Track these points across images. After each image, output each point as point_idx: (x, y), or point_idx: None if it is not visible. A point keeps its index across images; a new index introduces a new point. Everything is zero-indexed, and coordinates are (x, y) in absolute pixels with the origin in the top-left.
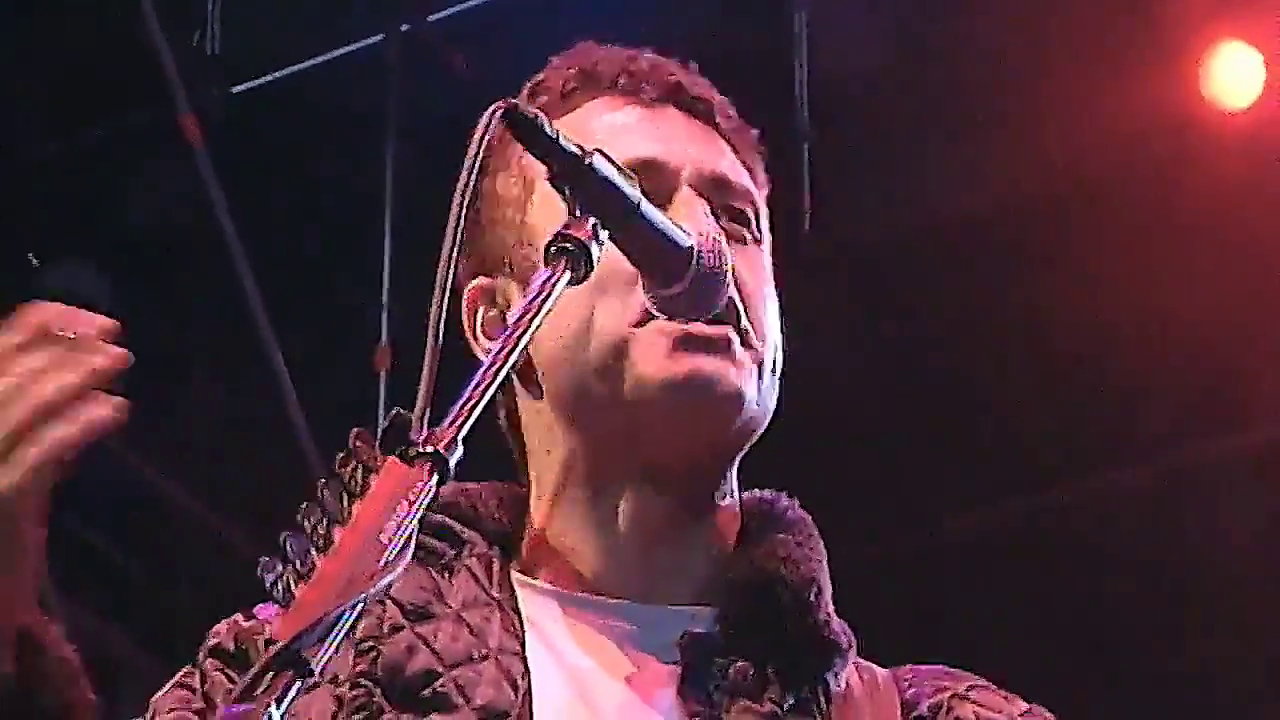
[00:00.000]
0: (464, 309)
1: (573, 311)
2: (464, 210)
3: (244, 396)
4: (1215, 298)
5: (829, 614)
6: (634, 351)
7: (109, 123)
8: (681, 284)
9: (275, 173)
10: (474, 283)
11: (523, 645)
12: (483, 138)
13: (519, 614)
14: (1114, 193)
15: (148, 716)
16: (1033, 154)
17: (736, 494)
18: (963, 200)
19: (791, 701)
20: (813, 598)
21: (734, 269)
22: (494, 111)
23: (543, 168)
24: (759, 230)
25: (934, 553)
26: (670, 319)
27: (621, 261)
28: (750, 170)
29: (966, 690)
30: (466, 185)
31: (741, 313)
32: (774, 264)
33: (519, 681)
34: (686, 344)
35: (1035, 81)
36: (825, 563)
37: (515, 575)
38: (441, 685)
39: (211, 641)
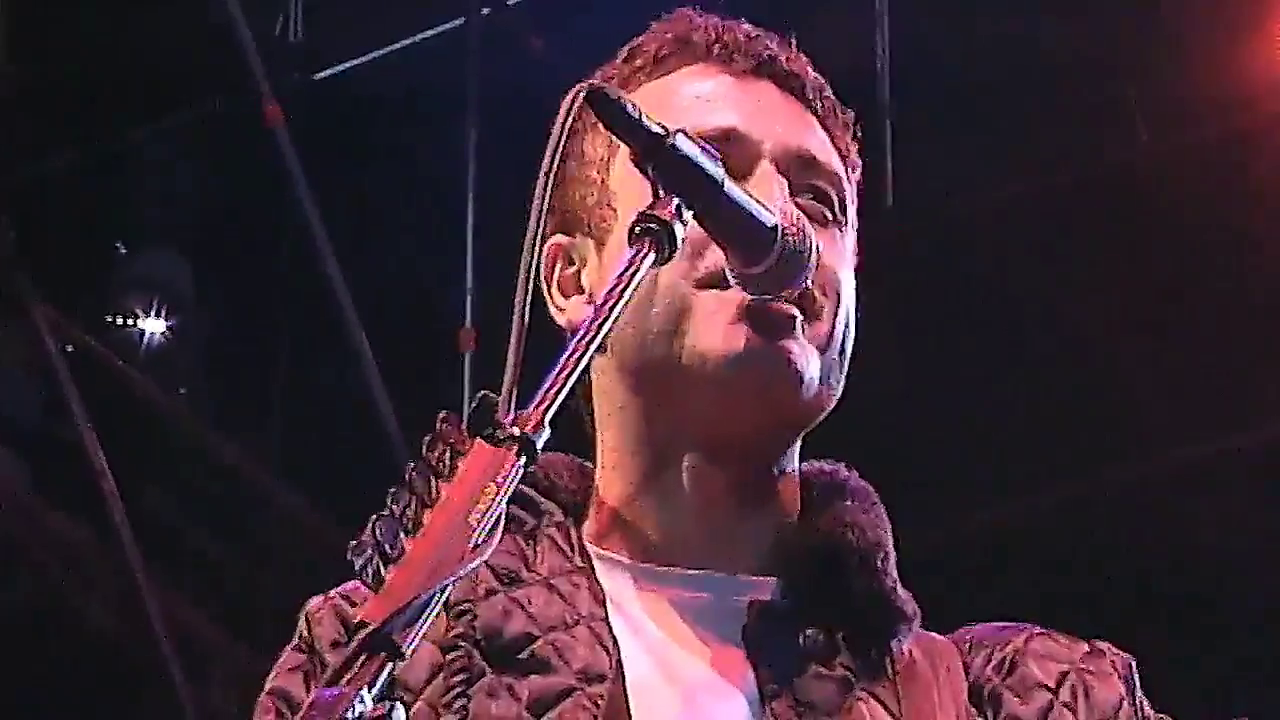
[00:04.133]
0: (543, 265)
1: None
2: (548, 192)
3: (329, 381)
4: None
5: (895, 580)
6: (695, 316)
7: (193, 109)
8: (766, 263)
9: (357, 158)
10: (553, 239)
11: (606, 614)
12: (566, 120)
13: (599, 584)
14: (1201, 167)
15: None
16: (1119, 129)
17: (797, 466)
18: (1045, 176)
19: (862, 667)
20: (879, 563)
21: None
22: (577, 93)
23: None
24: (843, 213)
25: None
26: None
27: (690, 226)
28: (842, 153)
29: (1026, 642)
30: (550, 168)
31: (814, 293)
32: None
33: (610, 647)
34: (749, 318)
35: (1122, 55)
36: (889, 531)
37: (588, 546)
38: (539, 648)
39: (326, 633)
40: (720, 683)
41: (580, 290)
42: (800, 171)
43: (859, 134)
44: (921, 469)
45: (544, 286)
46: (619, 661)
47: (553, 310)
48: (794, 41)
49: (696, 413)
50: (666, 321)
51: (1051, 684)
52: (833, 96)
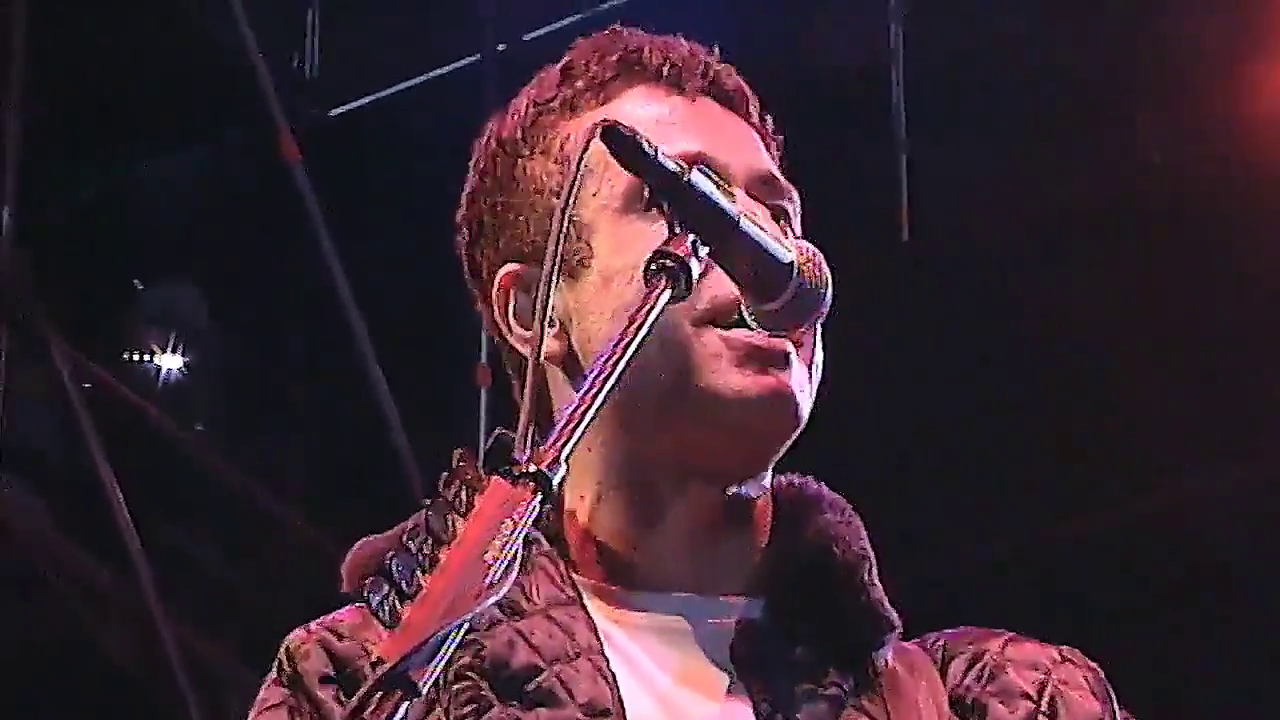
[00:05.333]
0: (494, 296)
1: (630, 307)
2: (564, 228)
3: (346, 415)
4: None
5: (880, 591)
6: (698, 357)
7: (210, 145)
8: (781, 299)
9: (373, 193)
10: (505, 269)
11: (602, 646)
12: (582, 156)
13: (589, 615)
14: (1213, 188)
15: None
16: (1129, 152)
17: (769, 482)
18: (1060, 199)
19: (852, 682)
20: (865, 576)
21: None
22: (593, 129)
23: (595, 153)
24: (796, 227)
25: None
26: (761, 328)
27: None
28: (778, 162)
29: (1002, 647)
30: (566, 204)
31: None
32: (874, 270)
33: (610, 680)
34: (753, 358)
35: (1133, 79)
36: (868, 541)
37: (574, 575)
38: (545, 681)
39: (314, 667)
40: (718, 708)
41: (549, 322)
42: (764, 193)
43: (780, 139)
44: (929, 497)
45: (497, 316)
46: (619, 694)
47: (512, 340)
48: (718, 49)
49: (694, 449)
50: (668, 361)
51: (1033, 693)
52: (758, 104)
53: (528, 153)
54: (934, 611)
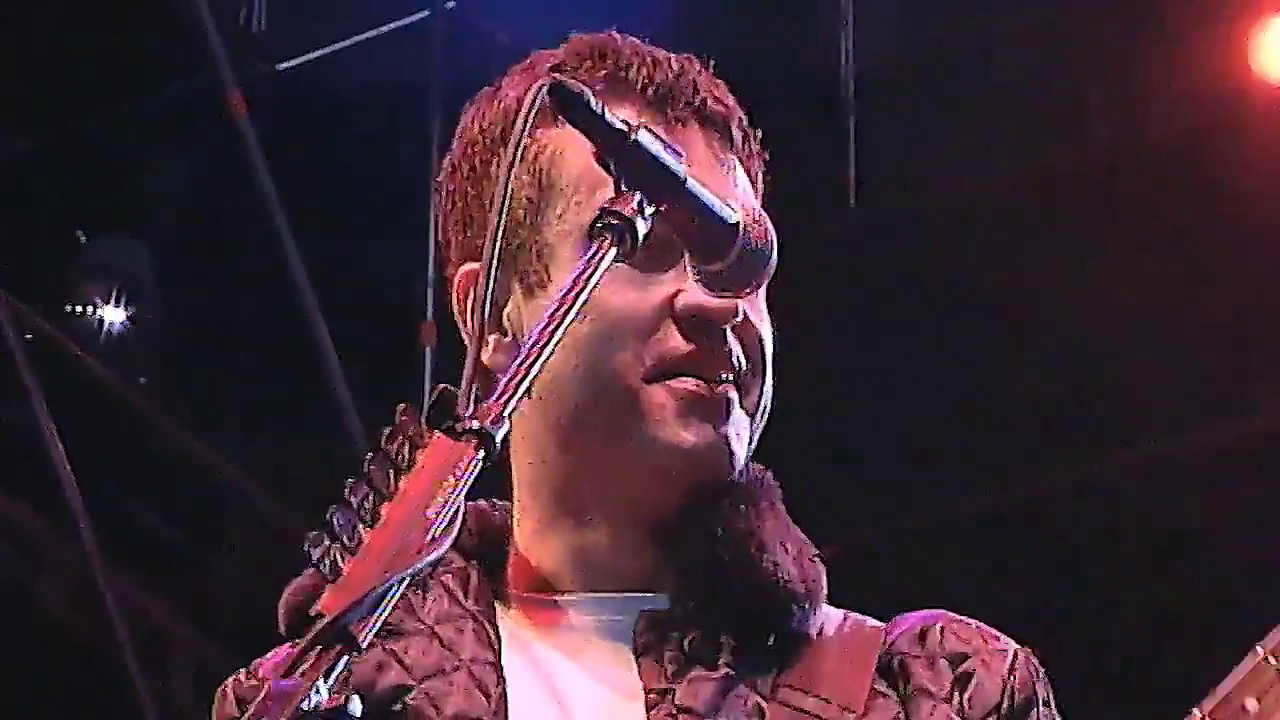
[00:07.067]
0: (454, 292)
1: (587, 348)
2: (509, 184)
3: (289, 371)
4: (1262, 268)
5: (776, 563)
6: (642, 409)
7: (156, 98)
8: (726, 259)
9: (320, 149)
10: (466, 267)
11: (498, 654)
12: (529, 112)
13: (494, 625)
14: (1159, 165)
15: None
16: (1078, 127)
17: None
18: (1005, 174)
19: (746, 659)
20: (754, 550)
21: (745, 315)
22: (540, 86)
23: (567, 172)
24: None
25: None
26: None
27: (638, 307)
28: (754, 182)
29: (947, 622)
30: (513, 159)
31: (743, 365)
32: (820, 237)
33: (492, 689)
34: (694, 409)
35: (1081, 54)
36: (775, 514)
37: (499, 588)
38: (412, 698)
39: (225, 712)
40: (610, 705)
41: (500, 329)
42: None
43: (765, 155)
44: (878, 464)
45: (455, 313)
46: (504, 700)
47: (466, 337)
48: (712, 63)
49: (630, 489)
50: (614, 407)
51: (958, 659)
52: (746, 122)
53: (504, 151)
54: (869, 576)
